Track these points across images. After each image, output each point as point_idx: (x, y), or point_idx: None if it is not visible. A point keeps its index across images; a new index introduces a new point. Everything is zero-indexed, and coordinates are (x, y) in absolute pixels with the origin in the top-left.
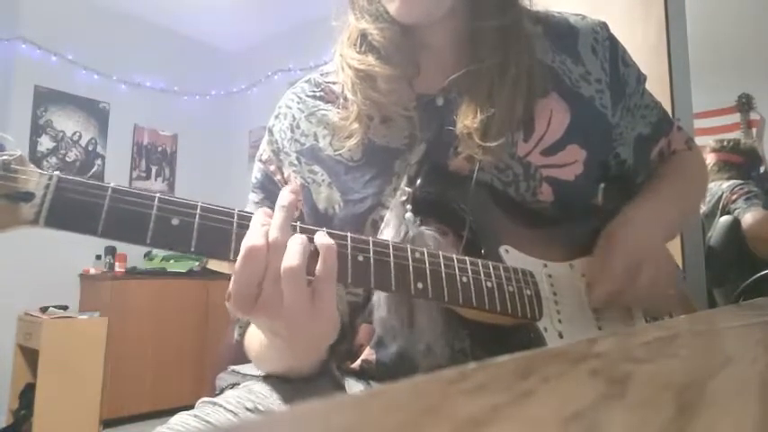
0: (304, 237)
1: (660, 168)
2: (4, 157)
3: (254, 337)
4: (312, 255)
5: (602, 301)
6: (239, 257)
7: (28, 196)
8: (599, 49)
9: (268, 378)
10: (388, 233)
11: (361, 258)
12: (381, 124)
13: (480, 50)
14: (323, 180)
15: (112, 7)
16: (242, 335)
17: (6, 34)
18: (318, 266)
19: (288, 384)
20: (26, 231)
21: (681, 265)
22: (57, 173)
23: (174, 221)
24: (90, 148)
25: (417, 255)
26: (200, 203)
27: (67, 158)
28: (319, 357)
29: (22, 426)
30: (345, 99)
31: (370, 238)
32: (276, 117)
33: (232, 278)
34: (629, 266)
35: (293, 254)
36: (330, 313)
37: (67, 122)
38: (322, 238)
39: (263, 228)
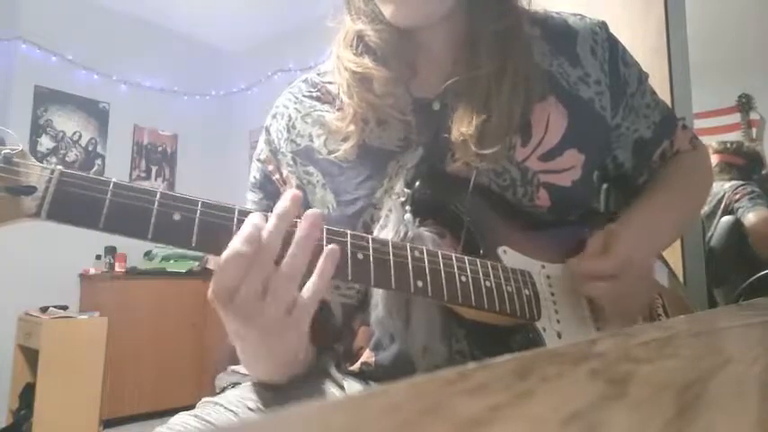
0: (304, 236)
1: (661, 171)
2: (6, 151)
3: None
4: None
5: (584, 276)
6: (224, 254)
7: (29, 190)
8: (598, 51)
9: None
10: (386, 234)
11: (360, 256)
12: (377, 127)
13: (478, 55)
14: (317, 181)
15: (112, 7)
16: None
17: (6, 34)
18: (316, 274)
19: (287, 385)
20: (26, 231)
21: (681, 265)
22: (59, 167)
23: (176, 217)
24: (90, 148)
25: (417, 253)
26: (201, 199)
27: (67, 158)
28: (290, 371)
29: (22, 426)
30: (342, 100)
31: (370, 237)
32: (273, 117)
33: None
34: (620, 264)
35: (297, 258)
36: (302, 329)
37: (67, 122)
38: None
39: (255, 229)
